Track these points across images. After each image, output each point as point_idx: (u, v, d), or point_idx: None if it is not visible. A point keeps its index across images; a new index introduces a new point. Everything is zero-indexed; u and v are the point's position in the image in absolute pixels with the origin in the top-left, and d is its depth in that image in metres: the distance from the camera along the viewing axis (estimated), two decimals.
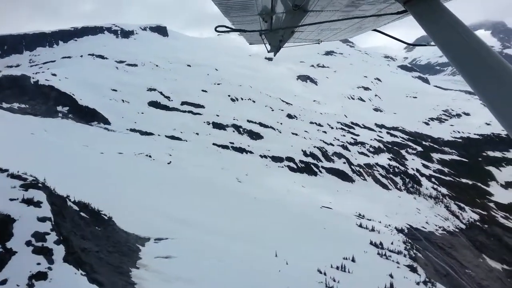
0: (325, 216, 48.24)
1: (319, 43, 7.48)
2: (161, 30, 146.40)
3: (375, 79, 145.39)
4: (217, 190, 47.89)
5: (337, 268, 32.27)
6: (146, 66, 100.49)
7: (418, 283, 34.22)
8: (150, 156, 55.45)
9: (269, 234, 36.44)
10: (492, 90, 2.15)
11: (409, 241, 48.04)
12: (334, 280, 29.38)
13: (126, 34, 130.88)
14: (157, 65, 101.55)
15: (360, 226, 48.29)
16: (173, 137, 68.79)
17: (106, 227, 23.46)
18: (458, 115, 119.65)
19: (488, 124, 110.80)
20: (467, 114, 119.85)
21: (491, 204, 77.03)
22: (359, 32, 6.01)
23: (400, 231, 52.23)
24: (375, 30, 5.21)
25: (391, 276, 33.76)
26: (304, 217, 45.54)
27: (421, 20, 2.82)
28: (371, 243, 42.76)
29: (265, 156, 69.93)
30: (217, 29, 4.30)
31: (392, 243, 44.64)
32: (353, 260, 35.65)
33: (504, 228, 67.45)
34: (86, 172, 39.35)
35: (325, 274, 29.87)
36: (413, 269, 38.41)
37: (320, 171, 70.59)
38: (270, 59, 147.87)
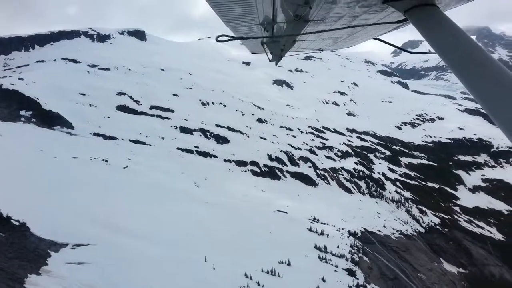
0: (275, 221, 48.62)
1: (320, 52, 7.68)
2: (139, 34, 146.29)
3: (352, 84, 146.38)
4: (169, 195, 48.11)
5: (268, 272, 32.79)
6: (118, 70, 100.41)
7: (350, 287, 34.70)
8: (106, 161, 55.49)
9: (207, 239, 36.83)
10: (491, 96, 2.24)
11: (358, 244, 48.58)
12: (259, 285, 29.92)
13: (102, 38, 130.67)
14: (130, 69, 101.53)
15: (310, 230, 48.80)
16: (137, 141, 68.86)
17: (13, 233, 23.71)
18: (432, 120, 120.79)
19: (461, 129, 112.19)
20: (441, 119, 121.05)
21: (456, 208, 77.98)
22: (360, 41, 6.10)
23: (353, 234, 52.75)
24: (376, 38, 5.33)
25: (323, 280, 34.31)
26: (251, 221, 45.93)
27: (421, 28, 2.93)
28: (315, 247, 43.31)
29: (229, 160, 70.29)
30: (218, 38, 4.38)
31: (338, 247, 45.24)
32: (288, 264, 36.22)
33: (465, 232, 68.34)
34: (26, 177, 39.53)
35: (251, 278, 30.38)
36: (351, 273, 38.93)
37: (284, 175, 71.06)
38: (247, 63, 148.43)
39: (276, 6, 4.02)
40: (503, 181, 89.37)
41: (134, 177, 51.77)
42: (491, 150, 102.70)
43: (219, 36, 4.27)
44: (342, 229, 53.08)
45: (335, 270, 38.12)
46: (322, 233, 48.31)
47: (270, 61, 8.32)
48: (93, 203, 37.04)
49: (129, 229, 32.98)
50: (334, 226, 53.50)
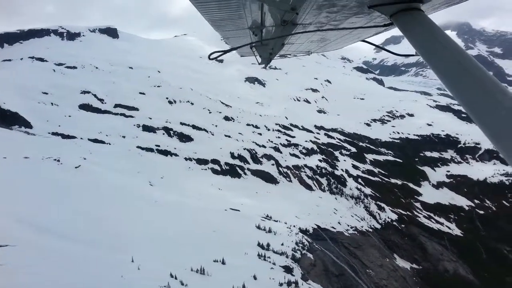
0: (224, 219, 48.82)
1: (309, 55, 7.68)
2: (111, 32, 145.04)
3: (325, 81, 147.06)
4: (117, 194, 48.09)
5: (197, 271, 33.03)
6: (85, 68, 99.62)
7: (281, 284, 35.10)
8: (58, 161, 55.19)
9: (142, 239, 36.95)
10: (473, 98, 2.25)
11: (305, 241, 48.98)
12: (182, 284, 30.17)
13: (72, 36, 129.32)
14: (97, 68, 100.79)
15: (258, 227, 49.09)
16: (96, 140, 68.52)
17: None
18: (402, 116, 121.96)
19: (429, 125, 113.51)
20: (411, 115, 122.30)
21: (417, 204, 79.00)
22: (348, 43, 6.11)
23: (304, 231, 53.17)
24: (363, 41, 5.33)
25: (254, 277, 34.65)
26: (198, 220, 46.07)
27: (406, 32, 2.93)
28: (258, 244, 43.62)
29: (190, 159, 70.36)
30: (211, 56, 4.45)
31: (282, 244, 45.61)
32: (223, 263, 36.55)
33: (422, 228, 69.29)
34: None
35: (175, 278, 30.60)
36: (288, 270, 39.34)
37: (245, 173, 71.35)
38: (221, 61, 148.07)
39: (264, 11, 4.12)
40: (466, 177, 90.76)
41: (84, 176, 51.57)
42: (458, 146, 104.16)
43: (211, 53, 4.37)
44: (294, 226, 53.46)
45: (272, 268, 38.51)
46: (269, 231, 48.67)
47: (259, 64, 8.27)
48: (25, 203, 36.92)
49: (56, 229, 32.96)
50: (286, 223, 53.87)
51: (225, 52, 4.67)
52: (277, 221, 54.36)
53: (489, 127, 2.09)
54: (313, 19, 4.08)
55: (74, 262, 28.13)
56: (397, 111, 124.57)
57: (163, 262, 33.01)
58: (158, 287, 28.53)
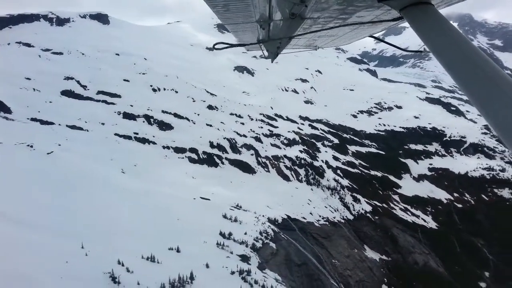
0: (191, 208, 49.23)
1: (316, 50, 7.75)
2: (101, 18, 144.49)
3: (316, 71, 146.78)
4: (84, 181, 48.36)
5: (147, 258, 33.48)
6: (72, 54, 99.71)
7: (233, 273, 35.61)
8: (31, 146, 55.49)
9: (98, 226, 37.35)
10: (484, 95, 2.25)
11: (270, 231, 49.43)
12: (128, 271, 30.62)
13: (61, 21, 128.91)
14: (83, 54, 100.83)
15: (225, 217, 49.52)
16: (74, 127, 68.72)
17: None
18: (390, 108, 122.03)
19: (417, 118, 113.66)
20: (399, 107, 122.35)
21: (396, 197, 79.45)
22: (356, 39, 6.08)
23: (272, 221, 53.65)
24: (371, 36, 5.42)
25: (206, 265, 35.16)
26: (163, 208, 46.44)
27: (416, 26, 2.93)
28: (220, 233, 44.12)
29: (167, 147, 70.63)
30: (216, 46, 4.46)
31: (245, 234, 46.12)
32: (178, 251, 37.00)
33: (396, 220, 69.77)
34: None
35: (122, 265, 31.03)
36: (245, 259, 39.84)
37: (223, 163, 71.66)
38: (211, 49, 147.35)
39: (272, 5, 4.08)
40: (448, 170, 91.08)
41: (54, 163, 51.81)
42: (443, 139, 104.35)
43: (216, 43, 4.41)
44: (263, 216, 53.90)
45: (228, 256, 38.98)
46: (235, 220, 49.10)
47: (266, 58, 8.44)
48: None
49: (7, 214, 33.37)
50: (255, 213, 54.29)
51: (231, 45, 4.72)
52: (246, 210, 54.82)
53: (500, 124, 2.10)
54: (322, 13, 4.10)
55: (15, 247, 28.56)
56: (385, 103, 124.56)
57: (115, 249, 33.37)
58: (101, 273, 29.12)
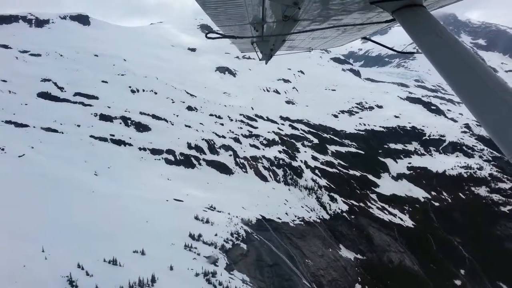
0: (162, 210, 48.96)
1: (310, 51, 7.50)
2: (82, 19, 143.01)
3: (298, 71, 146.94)
4: (54, 183, 47.88)
5: (109, 262, 33.24)
6: (50, 56, 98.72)
7: (197, 274, 35.51)
8: (2, 149, 54.89)
9: (63, 229, 37.01)
10: (475, 95, 2.28)
11: (241, 232, 49.35)
12: (88, 274, 30.41)
13: (40, 23, 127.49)
14: (61, 55, 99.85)
15: (196, 218, 49.33)
16: (49, 129, 68.09)
17: None
18: (371, 108, 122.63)
19: (397, 117, 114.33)
20: (380, 107, 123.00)
21: (373, 196, 79.84)
22: (349, 40, 6.16)
23: (246, 222, 53.63)
24: (364, 38, 5.49)
25: (170, 268, 35.01)
26: (133, 211, 46.17)
27: (408, 28, 2.96)
28: (190, 235, 43.97)
29: (144, 149, 70.28)
30: (208, 35, 4.54)
31: (216, 235, 46.03)
32: (142, 253, 36.77)
33: (372, 219, 70.09)
34: None
35: (82, 268, 30.81)
36: (212, 261, 39.77)
37: (200, 164, 71.49)
38: (193, 49, 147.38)
39: (265, 7, 4.07)
40: (426, 169, 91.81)
41: (25, 166, 51.33)
42: (423, 138, 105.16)
43: (208, 32, 4.51)
44: (236, 217, 53.78)
45: (194, 258, 38.87)
46: (207, 222, 48.97)
47: (260, 60, 8.39)
48: None
49: None
50: (229, 214, 54.16)
51: (224, 36, 4.81)
52: (220, 211, 54.73)
53: (491, 124, 2.18)
54: (315, 15, 4.11)
55: None
56: (366, 103, 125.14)
57: (77, 252, 33.12)
58: (59, 277, 28.90)
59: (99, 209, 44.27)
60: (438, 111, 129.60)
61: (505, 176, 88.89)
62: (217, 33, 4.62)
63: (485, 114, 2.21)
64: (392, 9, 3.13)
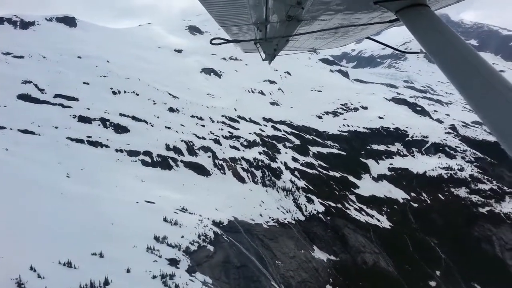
0: (130, 212, 48.97)
1: (313, 52, 7.48)
2: (68, 21, 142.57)
3: (285, 72, 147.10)
4: (21, 186, 47.84)
5: (64, 264, 33.28)
6: (32, 58, 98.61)
7: (154, 277, 35.60)
8: None
9: (21, 231, 37.01)
10: (480, 96, 2.25)
11: (209, 234, 49.45)
12: (39, 276, 30.45)
13: (25, 25, 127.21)
14: (44, 57, 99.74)
15: (165, 220, 49.39)
16: (26, 131, 67.97)
17: None
18: (356, 109, 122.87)
19: (381, 118, 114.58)
20: (365, 108, 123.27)
21: (352, 197, 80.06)
22: (352, 40, 6.10)
23: (217, 224, 53.74)
24: (368, 38, 5.40)
25: (127, 270, 35.06)
26: (100, 212, 46.14)
27: (412, 28, 2.94)
28: (155, 237, 44.08)
29: (121, 150, 70.25)
30: (213, 41, 4.45)
31: (182, 237, 46.15)
32: (101, 256, 36.83)
33: (349, 220, 70.27)
34: None
35: (34, 270, 30.86)
36: (173, 263, 39.88)
37: (177, 165, 71.53)
38: (179, 51, 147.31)
39: (268, 7, 4.05)
40: (407, 170, 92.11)
41: None
42: (406, 139, 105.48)
43: (213, 39, 4.39)
44: (208, 218, 53.90)
45: (155, 261, 38.98)
46: (175, 223, 49.10)
47: (263, 60, 8.47)
48: None
49: None
50: (200, 215, 54.22)
51: (228, 41, 4.80)
52: (192, 213, 54.85)
53: (497, 126, 2.13)
54: (318, 14, 4.11)
55: None
56: (351, 104, 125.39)
57: (32, 254, 33.18)
58: (8, 280, 28.95)
59: (64, 211, 44.27)
60: (423, 112, 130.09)
61: (485, 177, 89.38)
62: (221, 39, 4.60)
63: (490, 114, 2.21)
64: (395, 9, 3.17)
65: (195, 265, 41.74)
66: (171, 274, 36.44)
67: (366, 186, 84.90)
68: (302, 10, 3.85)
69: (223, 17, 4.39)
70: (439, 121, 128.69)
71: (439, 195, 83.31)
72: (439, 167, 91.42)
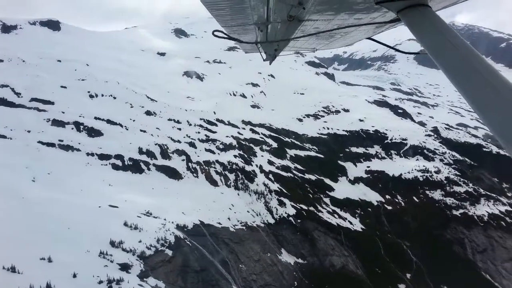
0: (91, 216, 48.82)
1: (314, 52, 7.55)
2: (52, 25, 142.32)
3: (268, 75, 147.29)
4: None
5: (8, 269, 33.35)
6: (12, 61, 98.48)
7: (101, 282, 35.69)
8: None
9: None
10: (482, 97, 2.25)
11: (169, 238, 49.49)
12: None
13: (7, 28, 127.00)
14: (23, 61, 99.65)
15: (125, 224, 49.39)
16: None
17: None
18: (337, 112, 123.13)
19: (361, 121, 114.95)
20: (346, 111, 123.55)
21: (327, 200, 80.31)
22: (354, 41, 6.12)
23: (181, 228, 53.80)
24: (369, 38, 5.37)
25: (74, 275, 35.14)
26: (58, 217, 46.11)
27: (413, 28, 2.93)
28: (110, 242, 44.14)
29: (92, 154, 70.27)
30: (215, 33, 4.45)
31: (140, 241, 46.26)
32: (49, 260, 36.85)
33: (320, 223, 70.41)
34: None
35: None
36: (124, 267, 39.95)
37: (149, 169, 71.58)
38: (163, 54, 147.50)
39: (270, 7, 4.08)
40: (383, 173, 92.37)
41: None
42: (385, 142, 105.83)
43: (215, 30, 4.41)
44: (172, 222, 53.92)
45: (106, 265, 39.05)
46: (136, 228, 49.16)
47: (264, 60, 8.43)
48: None
49: None
50: (165, 219, 54.23)
51: (230, 38, 4.84)
52: (156, 217, 54.80)
53: (498, 127, 2.14)
54: (320, 14, 4.12)
55: None
56: (333, 107, 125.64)
57: None
58: None
59: (22, 216, 44.33)
60: (405, 115, 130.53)
61: (462, 180, 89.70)
62: (223, 32, 4.65)
63: (491, 116, 2.22)
64: (397, 9, 3.17)
65: (148, 270, 41.82)
66: (119, 279, 36.53)
67: (342, 189, 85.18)
68: (304, 10, 3.90)
69: (224, 17, 4.43)
70: (422, 123, 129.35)
71: (414, 197, 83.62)
72: (415, 169, 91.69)
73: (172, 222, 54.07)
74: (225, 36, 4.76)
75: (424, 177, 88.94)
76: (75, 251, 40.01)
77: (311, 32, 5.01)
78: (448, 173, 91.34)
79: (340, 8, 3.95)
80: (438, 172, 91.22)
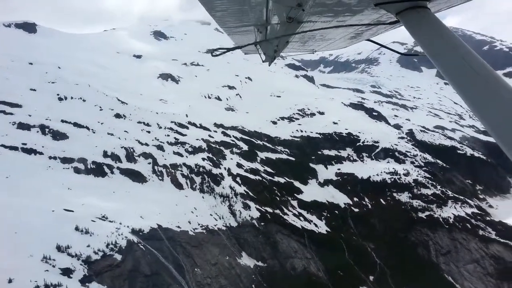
0: (42, 220, 48.46)
1: (313, 53, 7.24)
2: (27, 27, 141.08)
3: (245, 78, 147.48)
4: None
5: None
6: None
7: (37, 287, 35.45)
8: None
9: None
10: (480, 98, 2.22)
11: (121, 242, 49.29)
12: None
13: None
14: None
15: (77, 229, 49.08)
16: None
17: None
18: (312, 114, 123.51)
19: (335, 123, 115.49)
20: (322, 113, 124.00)
21: (294, 202, 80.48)
22: (353, 42, 6.00)
23: (137, 232, 53.60)
24: (368, 40, 5.30)
25: (9, 280, 34.89)
26: (8, 221, 45.83)
27: (412, 30, 2.89)
28: (57, 246, 43.88)
29: (54, 157, 69.76)
30: (214, 53, 4.42)
31: (88, 246, 46.02)
32: None
33: (283, 226, 70.52)
34: None
35: None
36: (66, 272, 39.73)
37: (113, 172, 71.22)
38: (139, 56, 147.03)
39: (269, 8, 4.03)
40: (353, 175, 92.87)
41: None
42: (357, 144, 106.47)
43: (214, 49, 4.42)
44: (127, 226, 53.74)
45: (47, 270, 38.80)
46: (87, 232, 48.90)
47: (263, 61, 8.31)
48: None
49: None
50: (120, 223, 54.00)
51: (228, 50, 4.73)
52: (112, 221, 54.55)
53: (496, 128, 2.13)
54: (319, 16, 4.10)
55: None
56: (309, 109, 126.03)
57: None
58: None
59: None
60: (379, 117, 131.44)
61: (430, 182, 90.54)
62: (221, 49, 4.62)
63: (490, 117, 2.22)
64: (396, 11, 3.18)
65: (93, 274, 41.60)
66: (58, 284, 36.35)
67: (310, 192, 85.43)
68: (303, 12, 3.90)
69: (223, 17, 4.42)
70: (398, 126, 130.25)
71: (381, 200, 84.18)
72: (384, 172, 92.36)
73: (128, 226, 53.85)
74: (225, 50, 4.75)
75: (392, 179, 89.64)
76: (17, 256, 39.70)
77: (310, 34, 5.07)
78: (417, 176, 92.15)
79: (339, 9, 3.98)
80: (407, 174, 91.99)
